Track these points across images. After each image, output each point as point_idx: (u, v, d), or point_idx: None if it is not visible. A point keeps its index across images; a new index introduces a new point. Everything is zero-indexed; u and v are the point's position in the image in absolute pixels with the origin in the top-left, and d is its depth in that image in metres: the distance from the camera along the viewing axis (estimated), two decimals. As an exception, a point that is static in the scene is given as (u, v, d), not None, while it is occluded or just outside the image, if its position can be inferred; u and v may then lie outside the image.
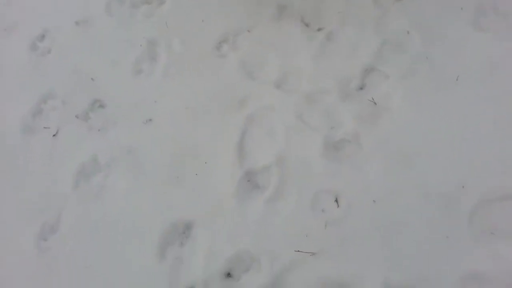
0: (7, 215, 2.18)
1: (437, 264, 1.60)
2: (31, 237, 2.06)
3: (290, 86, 2.20)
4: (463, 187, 1.71)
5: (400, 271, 1.62)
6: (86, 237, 2.00)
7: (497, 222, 1.62)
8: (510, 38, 2.00)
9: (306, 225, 1.77)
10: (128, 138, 2.26)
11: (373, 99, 2.03)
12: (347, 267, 1.67)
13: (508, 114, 1.82)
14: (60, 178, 2.21)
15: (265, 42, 2.38)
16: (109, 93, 2.44)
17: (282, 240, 1.77)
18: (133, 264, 1.89)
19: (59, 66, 2.63)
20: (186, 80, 2.37)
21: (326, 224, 1.76)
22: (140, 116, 2.30)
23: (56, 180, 2.21)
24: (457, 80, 1.95)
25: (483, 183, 1.70)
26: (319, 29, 2.33)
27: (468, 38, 2.05)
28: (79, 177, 2.17)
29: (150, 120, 2.28)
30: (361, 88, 2.09)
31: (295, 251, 1.72)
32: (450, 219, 1.66)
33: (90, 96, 2.45)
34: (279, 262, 1.71)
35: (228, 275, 1.79)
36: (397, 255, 1.65)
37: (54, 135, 2.35)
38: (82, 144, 2.29)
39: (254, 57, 2.34)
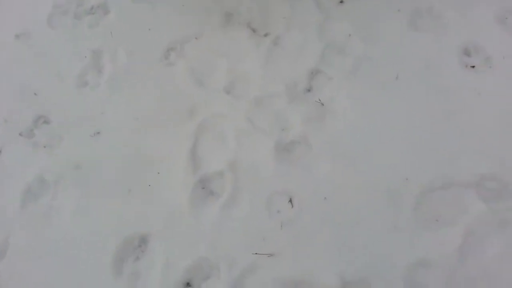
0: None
1: (387, 254, 1.68)
2: (-24, 264, 1.96)
3: (239, 91, 2.23)
4: (406, 179, 1.80)
5: (353, 264, 1.69)
6: (36, 260, 1.93)
7: (440, 210, 1.73)
8: (443, 38, 2.13)
9: (262, 227, 1.81)
10: (76, 153, 2.20)
11: (320, 100, 2.09)
12: (304, 265, 1.71)
13: (444, 109, 1.94)
14: (6, 199, 2.12)
15: (213, 49, 2.40)
16: (54, 108, 2.38)
17: (240, 245, 1.79)
18: (89, 284, 1.84)
19: (0, 82, 2.54)
20: (134, 90, 2.34)
21: (282, 225, 1.80)
22: (87, 130, 2.25)
23: (2, 202, 2.12)
24: (396, 79, 2.05)
25: (425, 175, 1.80)
26: (266, 35, 2.38)
27: (405, 38, 2.17)
28: (26, 198, 2.10)
29: (98, 133, 2.24)
30: (308, 90, 2.16)
31: (253, 254, 1.75)
32: (396, 211, 1.75)
33: (34, 112, 2.38)
34: (237, 266, 1.73)
35: (188, 285, 1.78)
36: (349, 249, 1.72)
37: (-3, 155, 2.26)
38: (27, 163, 2.22)
39: (203, 64, 2.36)
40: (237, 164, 2.00)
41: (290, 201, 1.85)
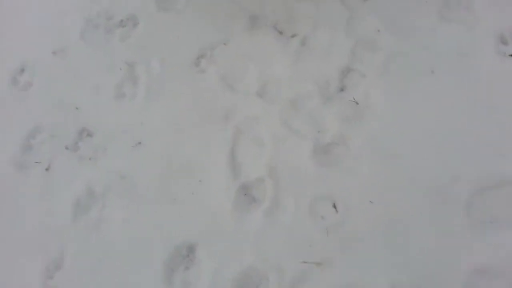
0: (9, 254, 1.99)
1: (441, 260, 1.49)
2: (37, 276, 1.87)
3: (271, 94, 2.05)
4: (455, 178, 1.60)
5: (406, 271, 1.51)
6: (90, 270, 1.83)
7: (495, 210, 1.52)
8: (476, 27, 1.89)
9: (308, 234, 1.64)
10: (120, 163, 2.07)
11: (354, 99, 1.90)
12: (354, 272, 1.55)
13: (486, 101, 1.72)
14: (58, 212, 2.02)
15: (242, 53, 2.21)
16: (95, 121, 2.24)
17: (287, 252, 1.63)
18: (142, 292, 1.73)
19: (42, 98, 2.41)
20: (169, 99, 2.19)
21: (328, 231, 1.63)
22: (128, 140, 2.11)
23: (54, 214, 2.01)
24: (432, 72, 1.83)
25: (474, 173, 1.60)
26: (293, 36, 2.17)
27: (437, 30, 1.94)
28: (77, 210, 1.98)
29: (139, 143, 2.10)
30: (342, 90, 1.96)
31: (302, 262, 1.59)
32: (448, 213, 1.55)
33: (77, 126, 2.25)
34: (287, 276, 1.58)
35: (238, 294, 1.65)
36: (400, 255, 1.54)
37: (46, 169, 2.15)
38: (75, 176, 2.10)
39: (233, 69, 2.17)
40: (276, 169, 1.83)
41: (334, 206, 1.68)
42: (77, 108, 2.30)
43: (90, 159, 2.14)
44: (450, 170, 1.63)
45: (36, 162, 2.17)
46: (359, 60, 1.99)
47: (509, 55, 1.79)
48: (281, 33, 2.21)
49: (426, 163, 1.67)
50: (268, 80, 2.08)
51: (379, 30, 2.02)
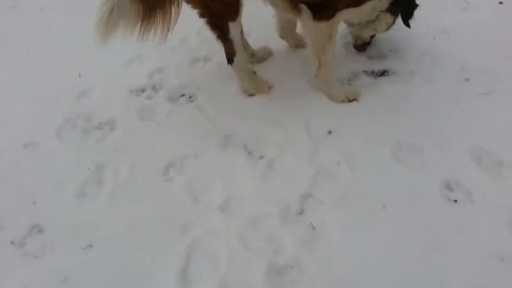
0: None
1: None
2: None
3: (233, 210, 2.10)
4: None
5: None
6: None
7: None
8: (425, 172, 2.10)
9: None
10: (65, 265, 1.97)
11: (311, 224, 1.97)
12: None
13: (431, 241, 1.82)
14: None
15: (211, 167, 2.33)
16: (50, 217, 2.20)
17: None
18: None
19: (1, 187, 2.38)
20: (131, 205, 2.20)
21: None
22: (80, 242, 2.05)
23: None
24: (384, 208, 1.96)
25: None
26: (260, 157, 2.33)
27: (390, 170, 2.13)
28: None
29: (90, 245, 2.03)
30: (301, 213, 2.04)
31: None
32: None
33: (29, 220, 2.18)
34: None
35: None
36: None
37: (-18, 264, 2.01)
38: (14, 273, 1.97)
39: (200, 181, 2.26)
40: (227, 285, 1.79)
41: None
42: (34, 202, 2.27)
43: (35, 257, 2.03)
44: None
45: (-26, 254, 2.04)
46: (319, 188, 2.12)
47: (453, 200, 1.96)
48: (250, 153, 2.37)
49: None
50: (232, 196, 2.16)
51: (338, 163, 2.21)
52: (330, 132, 2.39)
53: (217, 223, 2.05)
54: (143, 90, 2.87)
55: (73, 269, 1.95)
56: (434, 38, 2.94)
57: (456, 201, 1.95)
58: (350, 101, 2.54)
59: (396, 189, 2.03)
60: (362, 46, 2.85)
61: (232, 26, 2.38)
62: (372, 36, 2.81)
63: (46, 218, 2.19)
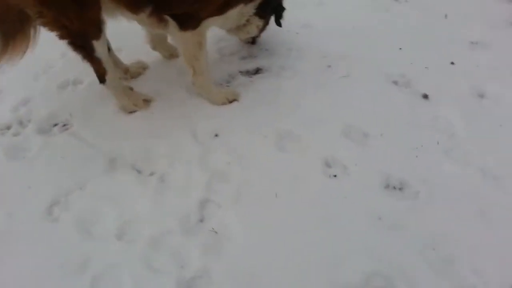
0: None
1: None
2: None
3: (131, 235, 1.99)
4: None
5: None
6: None
7: None
8: (306, 155, 2.24)
9: None
10: None
11: (213, 228, 1.97)
12: None
13: (320, 216, 1.96)
14: None
15: (100, 196, 2.17)
16: None
17: None
18: None
19: None
20: (19, 257, 1.94)
21: None
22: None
23: None
24: (276, 196, 2.05)
25: (316, 283, 1.73)
26: (151, 174, 2.25)
27: (275, 159, 2.24)
28: None
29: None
30: (201, 221, 2.02)
31: None
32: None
33: None
34: None
35: None
36: None
37: None
38: None
39: (90, 213, 2.09)
40: (138, 315, 1.69)
41: None
42: None
43: None
44: (298, 285, 1.73)
45: None
46: (215, 191, 2.13)
47: (333, 175, 2.14)
48: (139, 172, 2.27)
49: (285, 280, 1.75)
50: (127, 221, 2.04)
51: (229, 163, 2.24)
52: (216, 135, 2.41)
53: (116, 253, 1.92)
54: (8, 127, 2.55)
55: None
56: (297, 33, 3.16)
57: (335, 176, 2.13)
58: (230, 102, 2.59)
59: (283, 176, 2.14)
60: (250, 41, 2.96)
61: (97, 45, 2.24)
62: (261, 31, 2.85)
63: None
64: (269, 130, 2.38)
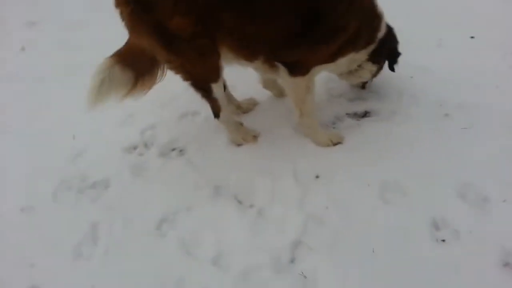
0: None
1: None
2: None
3: (225, 262, 2.07)
4: None
5: None
6: None
7: None
8: (412, 211, 2.08)
9: None
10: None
11: (302, 272, 1.94)
12: None
13: (422, 282, 1.78)
14: None
15: (203, 219, 2.32)
16: (47, 280, 2.17)
17: None
18: None
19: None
20: (125, 263, 2.18)
21: None
22: (76, 304, 2.02)
23: None
24: (373, 252, 1.94)
25: None
26: (251, 206, 2.33)
27: (377, 211, 2.12)
28: None
29: (87, 308, 2.00)
30: (292, 262, 2.01)
31: None
32: None
33: (28, 283, 2.16)
34: None
35: None
36: None
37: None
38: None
39: (192, 235, 2.24)
40: None
41: None
42: (32, 265, 2.25)
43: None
44: None
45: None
46: (309, 234, 2.10)
47: (441, 240, 1.93)
48: (240, 202, 2.37)
49: None
50: (224, 248, 2.14)
51: (327, 207, 2.20)
52: (317, 177, 2.40)
53: (210, 277, 2.02)
54: (135, 147, 2.92)
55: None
56: (411, 77, 3.01)
57: (444, 240, 1.93)
58: (335, 144, 2.57)
59: (384, 231, 2.01)
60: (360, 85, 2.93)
61: (215, 87, 2.45)
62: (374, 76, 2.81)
63: (44, 281, 2.16)
64: (373, 178, 2.28)
